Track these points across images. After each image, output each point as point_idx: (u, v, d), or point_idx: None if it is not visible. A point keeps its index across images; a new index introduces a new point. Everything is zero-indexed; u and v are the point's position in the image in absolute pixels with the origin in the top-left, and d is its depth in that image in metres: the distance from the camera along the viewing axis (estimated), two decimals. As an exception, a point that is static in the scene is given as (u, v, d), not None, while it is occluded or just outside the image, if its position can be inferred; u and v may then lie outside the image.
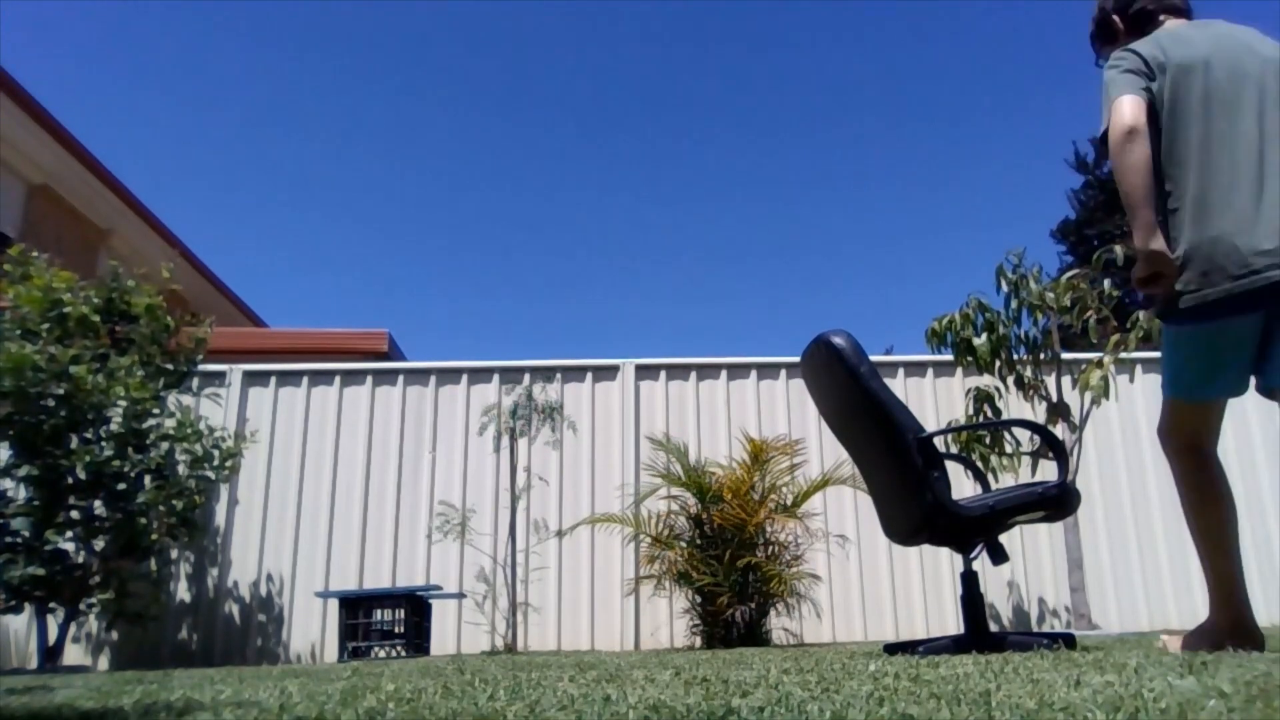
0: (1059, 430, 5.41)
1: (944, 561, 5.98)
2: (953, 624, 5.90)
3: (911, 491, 2.67)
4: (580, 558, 5.93)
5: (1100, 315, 5.16)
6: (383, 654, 4.94)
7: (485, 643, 5.66)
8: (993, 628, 5.88)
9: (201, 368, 5.78)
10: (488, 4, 24.64)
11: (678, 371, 6.37)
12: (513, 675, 2.25)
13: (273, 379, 6.19)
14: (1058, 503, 2.74)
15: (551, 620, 5.81)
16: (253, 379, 6.17)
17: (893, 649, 2.80)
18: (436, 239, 31.63)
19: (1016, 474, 5.73)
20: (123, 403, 4.96)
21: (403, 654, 4.90)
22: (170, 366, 5.42)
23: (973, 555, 2.78)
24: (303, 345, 7.71)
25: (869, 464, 2.99)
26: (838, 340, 2.72)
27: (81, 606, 4.98)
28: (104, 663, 5.58)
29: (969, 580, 2.78)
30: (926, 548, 5.95)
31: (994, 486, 5.92)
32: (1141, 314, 5.16)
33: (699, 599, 5.30)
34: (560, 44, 26.67)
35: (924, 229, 33.30)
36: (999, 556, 2.74)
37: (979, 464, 5.41)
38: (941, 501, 2.60)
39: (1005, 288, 5.36)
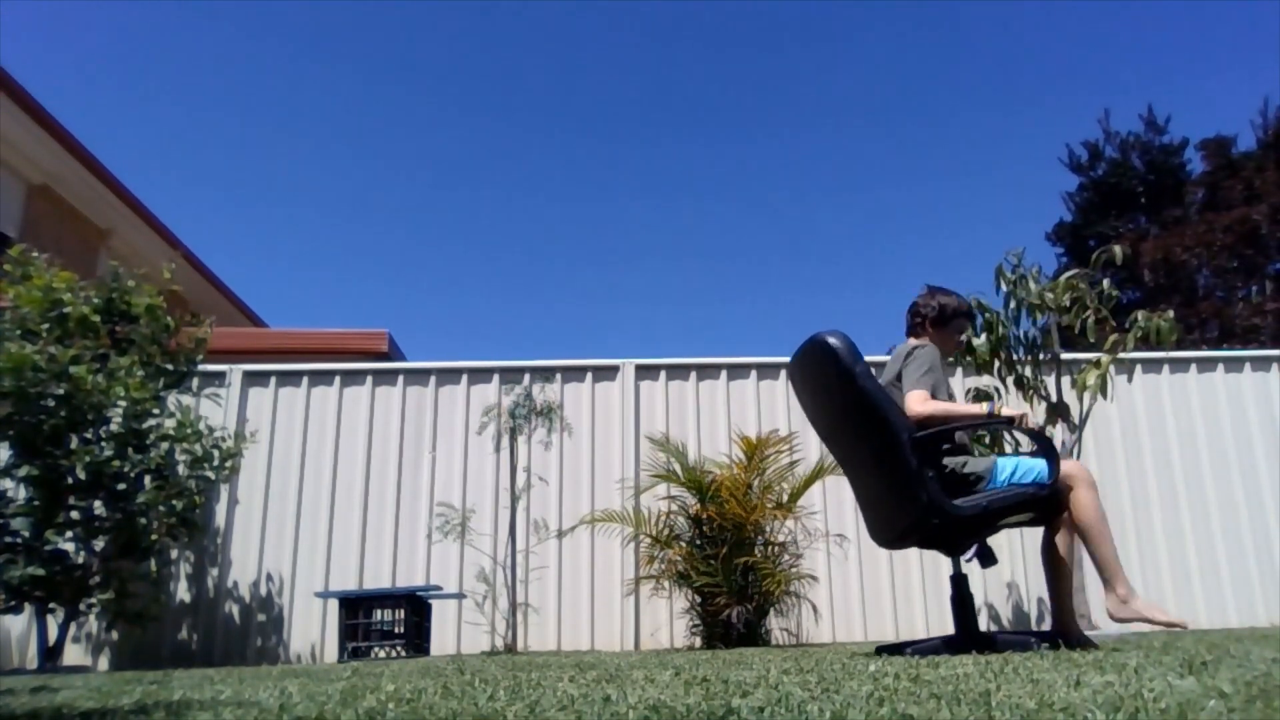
0: (1058, 430, 5.41)
1: (944, 561, 5.95)
2: (952, 625, 5.89)
3: (906, 491, 2.67)
4: (580, 558, 5.93)
5: (1099, 315, 5.15)
6: (383, 654, 4.94)
7: (485, 643, 5.66)
8: (992, 628, 5.89)
9: (201, 368, 5.77)
10: (488, 4, 24.64)
11: (678, 371, 6.37)
12: (513, 675, 2.25)
13: (273, 379, 6.19)
14: (1048, 503, 2.75)
15: (551, 620, 5.81)
16: (253, 379, 6.17)
17: (884, 650, 2.80)
18: (436, 239, 31.60)
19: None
20: (123, 403, 4.96)
21: (403, 654, 4.90)
22: (170, 366, 5.41)
23: (967, 557, 2.78)
24: (303, 345, 7.71)
25: (860, 466, 2.99)
26: (833, 340, 2.72)
27: (81, 607, 4.97)
28: (104, 663, 5.58)
29: (959, 582, 2.78)
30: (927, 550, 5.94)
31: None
32: (1140, 314, 5.16)
33: (699, 599, 5.30)
34: (561, 44, 26.67)
35: (924, 230, 33.25)
36: (988, 559, 2.75)
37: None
38: (936, 501, 2.60)
39: (1004, 288, 5.35)
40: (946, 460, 2.77)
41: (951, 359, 3.03)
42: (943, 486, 2.66)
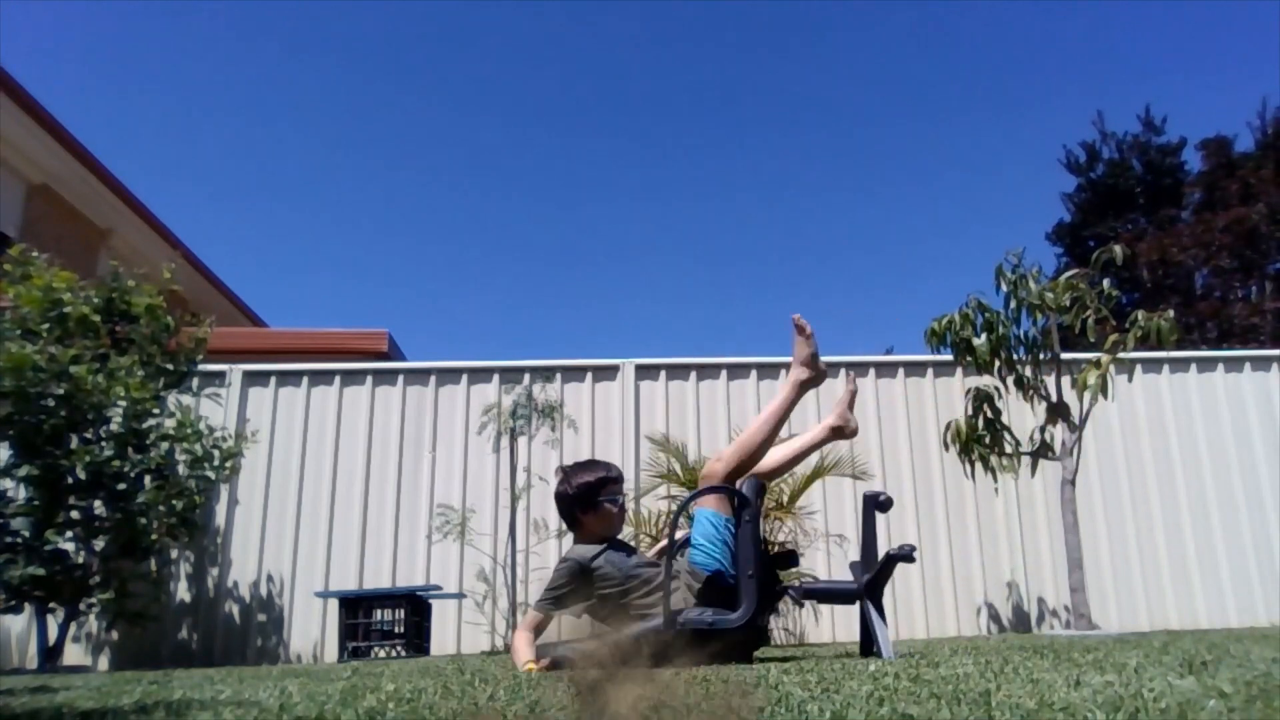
0: (1059, 430, 5.40)
1: (943, 562, 5.98)
2: (952, 624, 5.90)
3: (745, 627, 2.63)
4: (580, 558, 5.92)
5: (1099, 315, 5.15)
6: (383, 654, 4.94)
7: (485, 643, 5.66)
8: (993, 628, 5.90)
9: (201, 368, 5.77)
10: (488, 4, 24.64)
11: (678, 371, 6.37)
12: (513, 675, 2.26)
13: (273, 379, 6.19)
14: (738, 499, 2.74)
15: (552, 620, 5.80)
16: (253, 379, 6.17)
17: (864, 653, 2.82)
18: (436, 239, 31.64)
19: (1016, 474, 5.72)
20: (123, 403, 4.95)
21: (403, 654, 4.90)
22: (170, 366, 5.41)
23: (789, 591, 2.89)
24: (303, 345, 7.70)
25: None
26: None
27: (81, 606, 4.97)
28: (104, 663, 5.58)
29: (862, 597, 2.77)
30: (925, 548, 5.95)
31: (995, 486, 5.90)
32: (1140, 314, 5.16)
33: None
34: (560, 44, 26.68)
35: (924, 230, 33.30)
36: (791, 561, 2.90)
37: (980, 463, 5.41)
38: (758, 606, 2.61)
39: (1005, 287, 5.35)
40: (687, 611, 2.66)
41: (618, 536, 2.93)
42: (713, 596, 2.64)
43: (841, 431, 3.01)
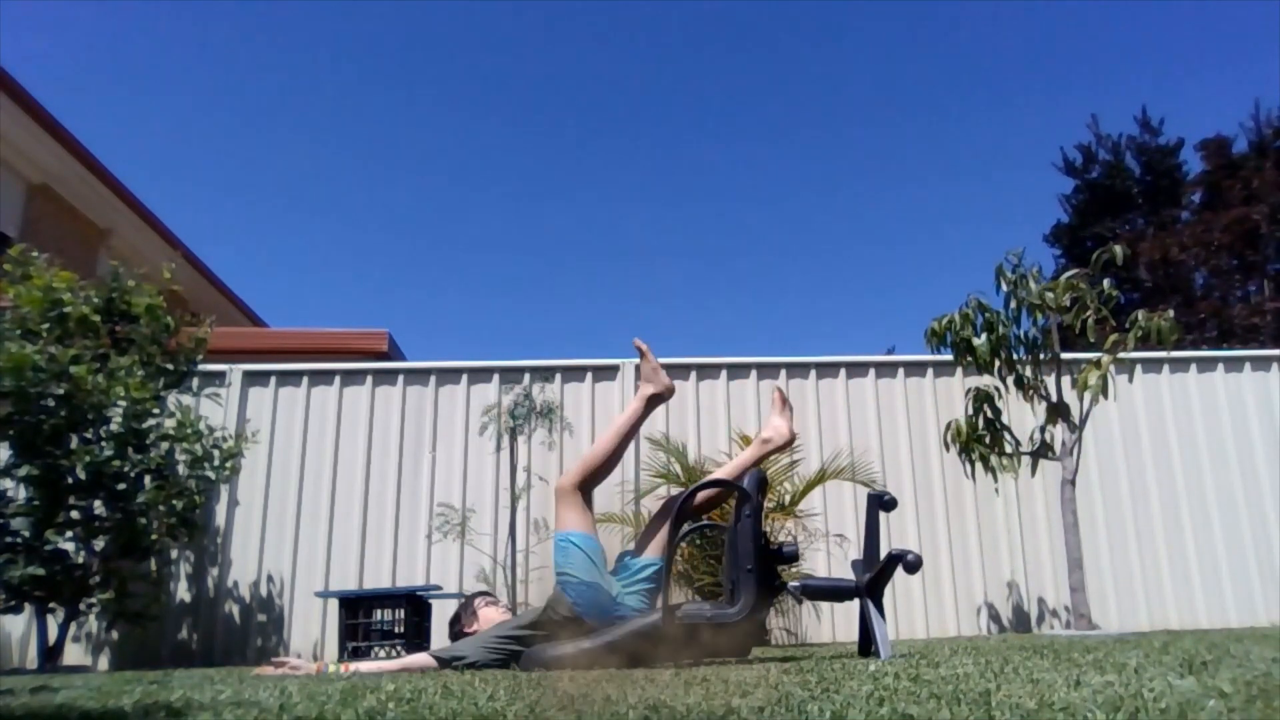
0: (1059, 430, 5.40)
1: (943, 562, 5.98)
2: (952, 624, 5.90)
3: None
4: (580, 558, 5.92)
5: (1099, 315, 5.15)
6: (383, 654, 4.93)
7: (485, 643, 5.65)
8: (993, 628, 5.90)
9: (201, 368, 5.76)
10: (488, 5, 24.66)
11: (678, 371, 6.37)
12: (512, 675, 2.26)
13: (273, 379, 6.19)
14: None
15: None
16: (253, 379, 6.17)
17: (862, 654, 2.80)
18: (436, 239, 31.64)
19: (1016, 474, 5.73)
20: (123, 403, 4.95)
21: (403, 654, 4.89)
22: (170, 366, 5.40)
23: (789, 587, 2.88)
24: (303, 345, 7.70)
25: None
26: None
27: (81, 606, 4.97)
28: (104, 663, 5.58)
29: (863, 593, 2.78)
30: (926, 548, 5.95)
31: (995, 486, 5.91)
32: (1140, 314, 5.16)
33: (699, 599, 5.30)
34: (561, 44, 26.69)
35: (924, 230, 33.30)
36: (789, 557, 2.84)
37: (980, 463, 5.41)
38: (746, 613, 2.63)
39: (1005, 287, 5.34)
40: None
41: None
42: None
43: (771, 442, 3.09)
